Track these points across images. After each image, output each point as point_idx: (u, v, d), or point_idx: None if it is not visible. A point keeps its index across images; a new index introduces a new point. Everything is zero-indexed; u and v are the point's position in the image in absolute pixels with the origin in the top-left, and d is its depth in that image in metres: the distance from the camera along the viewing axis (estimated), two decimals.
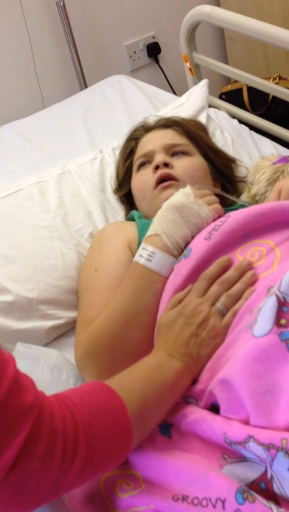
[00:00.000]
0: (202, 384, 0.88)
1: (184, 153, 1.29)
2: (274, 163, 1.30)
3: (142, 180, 1.27)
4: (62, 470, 0.64)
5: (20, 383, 0.64)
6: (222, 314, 0.92)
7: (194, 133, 1.37)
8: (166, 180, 1.21)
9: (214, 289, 0.95)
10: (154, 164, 1.25)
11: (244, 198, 1.27)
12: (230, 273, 0.96)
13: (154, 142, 1.31)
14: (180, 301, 0.96)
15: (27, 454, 0.61)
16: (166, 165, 1.23)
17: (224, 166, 1.39)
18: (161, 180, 1.22)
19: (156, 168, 1.23)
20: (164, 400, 0.84)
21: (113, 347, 0.99)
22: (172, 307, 0.96)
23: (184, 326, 0.92)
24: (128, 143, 1.43)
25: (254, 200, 1.25)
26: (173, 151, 1.29)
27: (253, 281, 0.94)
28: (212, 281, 0.96)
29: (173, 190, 1.16)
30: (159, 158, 1.25)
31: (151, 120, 1.44)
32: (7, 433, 0.60)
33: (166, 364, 0.87)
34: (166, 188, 1.20)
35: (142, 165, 1.31)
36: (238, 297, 0.93)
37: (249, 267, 0.96)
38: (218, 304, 0.93)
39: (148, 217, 1.23)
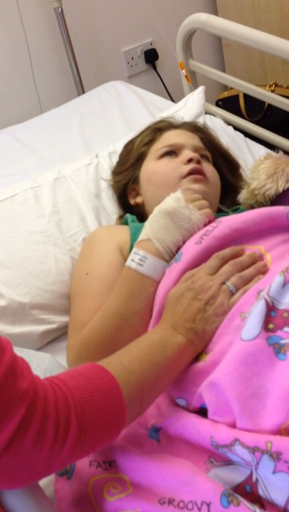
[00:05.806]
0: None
1: (209, 160, 1.32)
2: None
3: (169, 166, 1.25)
4: (54, 451, 0.66)
5: (16, 370, 0.66)
6: (231, 293, 0.93)
7: (215, 145, 1.41)
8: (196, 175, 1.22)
9: (226, 268, 0.96)
10: (187, 156, 1.23)
11: (244, 194, 1.28)
12: (244, 258, 0.97)
13: (183, 138, 1.31)
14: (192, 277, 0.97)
15: (20, 437, 0.63)
16: (198, 162, 1.24)
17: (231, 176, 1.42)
18: (193, 173, 1.22)
19: (189, 161, 1.23)
20: (163, 377, 0.85)
21: (105, 350, 0.99)
22: (184, 282, 0.97)
23: (192, 301, 0.93)
24: (148, 131, 1.40)
25: (253, 195, 1.24)
26: (200, 154, 1.28)
27: (264, 271, 0.95)
28: (224, 261, 0.97)
29: (202, 186, 1.19)
30: (193, 153, 1.25)
31: (173, 120, 1.44)
32: (1, 418, 0.63)
33: (169, 339, 0.88)
34: (198, 181, 1.21)
35: (166, 154, 1.29)
36: (249, 280, 0.94)
37: (261, 258, 0.98)
38: (229, 283, 0.94)
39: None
